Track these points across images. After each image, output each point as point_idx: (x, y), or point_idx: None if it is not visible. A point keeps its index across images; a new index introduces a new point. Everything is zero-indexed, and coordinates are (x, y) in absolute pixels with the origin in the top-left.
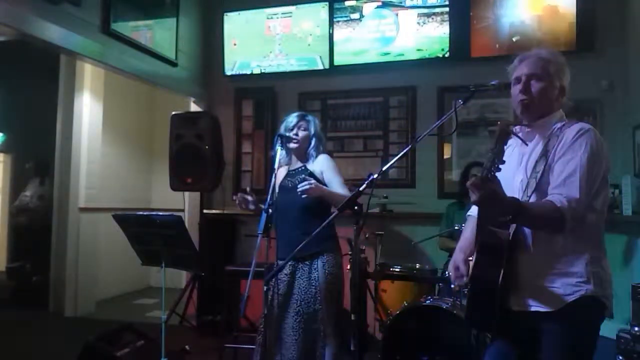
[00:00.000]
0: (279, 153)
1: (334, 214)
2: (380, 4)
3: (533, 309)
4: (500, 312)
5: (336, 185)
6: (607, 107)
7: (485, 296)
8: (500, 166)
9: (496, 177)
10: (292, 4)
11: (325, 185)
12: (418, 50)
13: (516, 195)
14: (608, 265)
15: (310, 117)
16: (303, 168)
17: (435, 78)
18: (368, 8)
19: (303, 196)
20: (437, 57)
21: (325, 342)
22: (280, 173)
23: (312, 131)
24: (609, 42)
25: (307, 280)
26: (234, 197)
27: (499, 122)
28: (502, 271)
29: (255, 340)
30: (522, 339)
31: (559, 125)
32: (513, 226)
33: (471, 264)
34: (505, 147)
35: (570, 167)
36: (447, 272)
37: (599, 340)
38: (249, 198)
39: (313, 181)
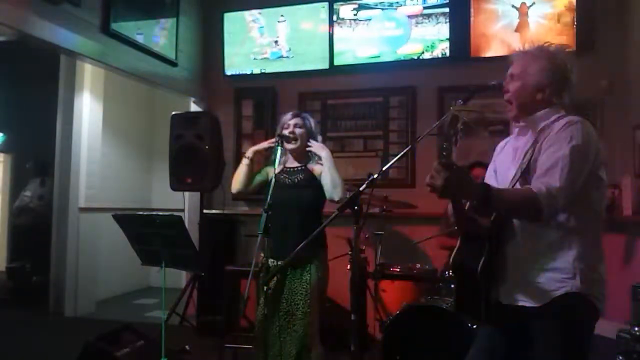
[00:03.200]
0: (279, 153)
1: (334, 215)
2: (356, 6)
3: (520, 303)
4: (491, 304)
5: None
6: (607, 106)
7: (470, 285)
8: (494, 161)
9: (454, 162)
10: (292, 4)
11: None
12: (418, 50)
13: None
14: (602, 265)
15: (305, 114)
16: (303, 167)
17: (435, 78)
18: (345, 11)
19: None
20: (437, 57)
21: (312, 343)
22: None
23: (309, 127)
24: (609, 42)
25: (298, 282)
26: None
27: (451, 107)
28: (482, 260)
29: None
30: (512, 332)
31: (552, 118)
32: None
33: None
34: (455, 132)
35: (553, 158)
36: (447, 272)
37: (599, 341)
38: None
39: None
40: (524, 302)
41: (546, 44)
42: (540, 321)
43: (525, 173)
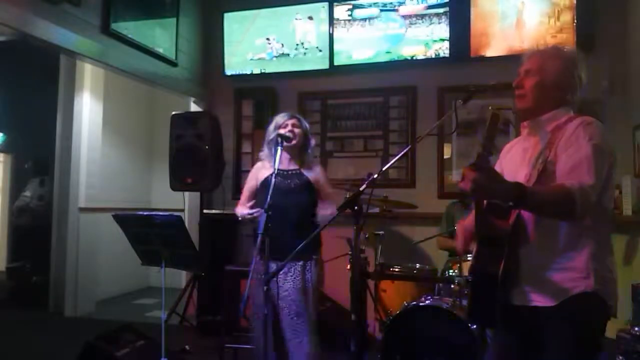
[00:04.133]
0: (279, 153)
1: (333, 215)
2: (351, 6)
3: (533, 304)
4: (502, 307)
5: (329, 199)
6: (607, 107)
7: (487, 290)
8: (500, 162)
9: (490, 163)
10: (292, 4)
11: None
12: (414, 50)
13: None
14: (613, 264)
15: (299, 116)
16: (298, 172)
17: (435, 78)
18: (339, 11)
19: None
20: (437, 57)
21: (309, 339)
22: (263, 171)
23: (305, 129)
24: (609, 42)
25: (301, 280)
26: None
27: (490, 107)
28: (502, 264)
29: (251, 340)
30: (525, 334)
31: (563, 119)
32: (513, 217)
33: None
34: (496, 132)
35: (575, 158)
36: (447, 272)
37: None
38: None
39: None
40: (538, 302)
41: (559, 45)
42: (553, 321)
43: (542, 174)
